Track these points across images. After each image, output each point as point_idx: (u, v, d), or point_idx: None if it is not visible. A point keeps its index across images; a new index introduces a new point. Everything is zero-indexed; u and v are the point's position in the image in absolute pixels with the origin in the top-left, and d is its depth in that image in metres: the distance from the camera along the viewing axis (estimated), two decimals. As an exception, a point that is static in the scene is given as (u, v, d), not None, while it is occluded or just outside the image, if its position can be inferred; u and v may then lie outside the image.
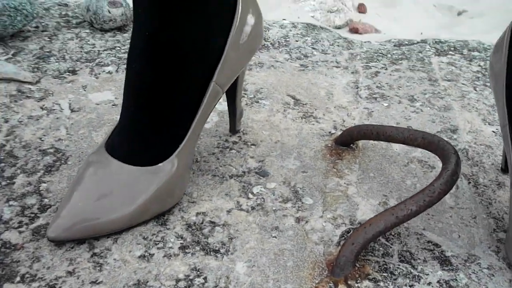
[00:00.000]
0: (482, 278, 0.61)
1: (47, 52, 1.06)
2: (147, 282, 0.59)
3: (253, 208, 0.69)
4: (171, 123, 0.64)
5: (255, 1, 0.71)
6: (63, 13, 1.25)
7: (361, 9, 2.42)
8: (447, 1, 2.50)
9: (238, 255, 0.63)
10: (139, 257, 0.62)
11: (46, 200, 0.69)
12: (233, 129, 0.83)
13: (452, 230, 0.67)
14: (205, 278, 0.60)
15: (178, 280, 0.60)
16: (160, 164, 0.64)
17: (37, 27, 1.16)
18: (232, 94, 0.77)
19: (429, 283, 0.61)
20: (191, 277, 0.60)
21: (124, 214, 0.62)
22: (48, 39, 1.12)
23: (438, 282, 0.61)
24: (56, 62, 1.02)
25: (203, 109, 0.66)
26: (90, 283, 0.59)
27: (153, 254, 0.63)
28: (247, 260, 0.62)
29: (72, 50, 1.08)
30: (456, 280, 0.61)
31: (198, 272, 0.61)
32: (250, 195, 0.72)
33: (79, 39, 1.13)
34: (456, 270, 0.62)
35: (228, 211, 0.69)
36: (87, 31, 1.17)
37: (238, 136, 0.83)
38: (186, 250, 0.63)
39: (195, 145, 0.69)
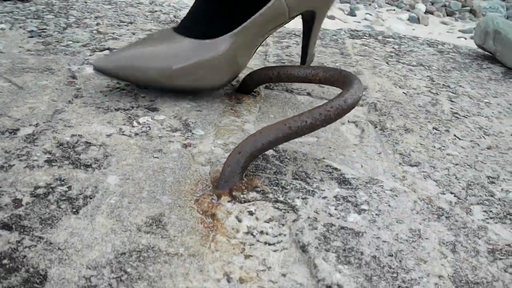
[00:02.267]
0: (384, 197, 0.56)
1: None
2: (0, 188, 0.51)
3: (136, 134, 0.63)
4: (227, 13, 0.70)
5: None
6: (-38, -15, 1.17)
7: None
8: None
9: (112, 170, 0.56)
10: (-4, 167, 0.54)
11: None
12: None
13: (354, 161, 0.62)
14: (69, 187, 0.52)
15: (37, 188, 0.52)
16: (207, 40, 0.69)
17: None
18: (307, 34, 0.81)
19: (325, 197, 0.55)
20: (53, 186, 0.52)
21: (163, 69, 0.68)
22: None
23: (334, 197, 0.55)
24: None
25: (262, 13, 0.71)
26: None
27: (13, 165, 0.55)
28: (121, 174, 0.55)
29: (-36, 10, 1.00)
30: (355, 197, 0.55)
31: (62, 182, 0.53)
32: (135, 124, 0.65)
33: (-26, 4, 1.05)
34: (355, 189, 0.57)
35: (108, 135, 0.62)
36: (-15, -1, 1.09)
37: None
38: (53, 164, 0.55)
39: (248, 47, 0.73)
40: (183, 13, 1.14)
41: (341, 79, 0.65)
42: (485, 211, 0.57)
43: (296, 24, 1.17)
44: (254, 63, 0.89)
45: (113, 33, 0.95)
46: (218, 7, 0.70)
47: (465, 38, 2.76)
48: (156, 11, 1.13)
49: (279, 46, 1.00)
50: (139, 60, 0.67)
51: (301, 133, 0.56)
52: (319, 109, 0.57)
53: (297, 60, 0.92)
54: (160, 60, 0.68)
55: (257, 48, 0.75)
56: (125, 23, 1.03)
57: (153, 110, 0.68)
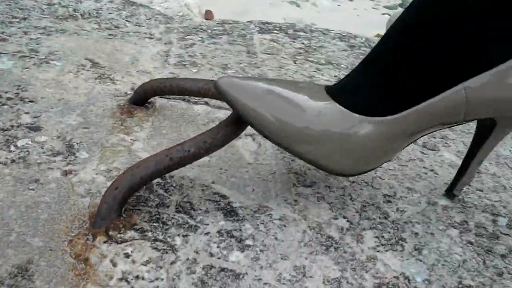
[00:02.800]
0: (272, 228, 0.54)
1: None
2: None
3: (13, 161, 0.58)
4: (393, 94, 0.55)
5: None
6: None
7: (208, 16, 2.36)
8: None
9: (-21, 208, 0.51)
10: None
11: None
12: (450, 188, 0.65)
13: (246, 184, 0.60)
14: None
15: None
16: (354, 114, 0.54)
17: None
18: (473, 149, 0.62)
19: (207, 233, 0.52)
20: None
21: (290, 132, 0.53)
22: None
23: (218, 232, 0.52)
24: None
25: (433, 103, 0.55)
26: None
27: None
28: (-11, 213, 0.51)
29: None
30: (240, 230, 0.53)
31: None
32: (13, 148, 0.60)
33: None
34: (242, 221, 0.54)
35: (-20, 164, 0.57)
36: None
37: (15, 93, 0.71)
38: None
39: (406, 138, 0.57)
40: (84, 6, 1.08)
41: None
42: (376, 237, 0.56)
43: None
44: (153, 66, 0.85)
45: (2, 33, 0.89)
46: (379, 79, 0.56)
47: (389, 15, 2.77)
48: (54, 3, 1.07)
49: (182, 45, 0.96)
50: (266, 102, 0.53)
51: (183, 163, 0.54)
52: (204, 136, 0.54)
53: (200, 62, 0.89)
54: (287, 112, 0.54)
55: (407, 145, 0.59)
56: (18, 19, 0.97)
57: (35, 129, 0.64)
